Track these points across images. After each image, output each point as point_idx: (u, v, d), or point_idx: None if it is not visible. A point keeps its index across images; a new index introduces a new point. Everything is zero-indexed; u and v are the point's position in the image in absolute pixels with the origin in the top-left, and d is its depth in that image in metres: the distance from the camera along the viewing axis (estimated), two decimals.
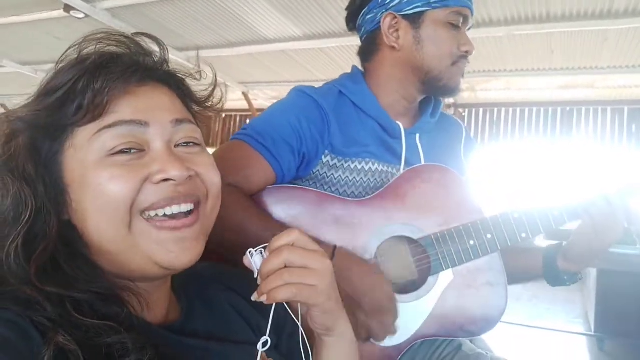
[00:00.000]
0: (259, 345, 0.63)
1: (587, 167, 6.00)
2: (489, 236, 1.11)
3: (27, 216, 0.56)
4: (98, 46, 0.62)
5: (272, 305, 0.64)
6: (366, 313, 1.02)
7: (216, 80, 0.75)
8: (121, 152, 0.59)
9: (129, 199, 0.58)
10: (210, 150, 0.76)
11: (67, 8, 3.71)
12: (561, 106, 5.97)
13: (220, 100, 0.76)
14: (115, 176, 0.58)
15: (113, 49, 0.63)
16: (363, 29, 1.25)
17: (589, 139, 5.85)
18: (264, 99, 6.68)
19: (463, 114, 6.34)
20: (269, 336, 0.64)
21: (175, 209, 0.61)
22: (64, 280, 0.56)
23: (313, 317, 0.69)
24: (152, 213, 0.60)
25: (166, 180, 0.60)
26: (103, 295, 0.57)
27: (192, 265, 0.80)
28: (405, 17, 1.16)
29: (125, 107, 0.60)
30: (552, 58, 4.49)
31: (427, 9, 1.14)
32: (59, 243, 0.58)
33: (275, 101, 1.24)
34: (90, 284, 0.57)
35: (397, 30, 1.17)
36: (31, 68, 5.73)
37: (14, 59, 5.53)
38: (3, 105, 8.57)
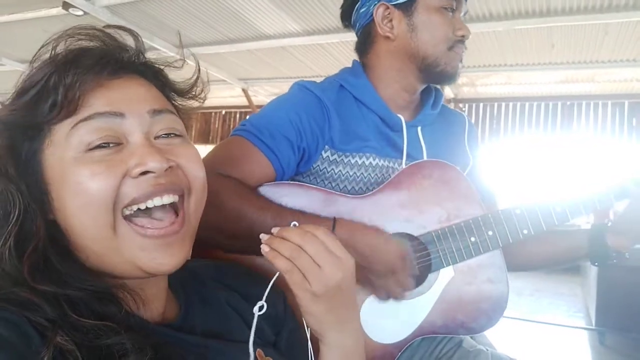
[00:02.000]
0: (255, 309, 0.65)
1: (588, 161, 5.99)
2: (490, 233, 1.11)
3: (16, 215, 0.56)
4: (68, 41, 0.61)
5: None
6: (380, 276, 1.02)
7: (199, 69, 0.73)
8: (99, 147, 0.58)
9: (109, 196, 0.57)
10: (211, 148, 0.76)
11: (66, 5, 3.70)
12: (562, 100, 5.96)
13: (202, 90, 0.74)
14: (96, 173, 0.56)
15: (84, 43, 0.62)
16: (358, 23, 1.25)
17: (590, 132, 5.84)
18: (264, 95, 6.67)
19: (463, 109, 6.33)
20: (265, 301, 0.66)
21: (157, 201, 0.60)
22: (57, 279, 0.55)
23: (301, 311, 0.70)
24: (135, 207, 0.59)
25: (145, 173, 0.58)
26: (98, 293, 0.57)
27: (190, 264, 0.80)
28: (397, 6, 1.16)
29: (99, 100, 0.59)
30: (552, 52, 4.48)
31: None
32: (47, 242, 0.57)
33: (275, 97, 1.24)
34: (83, 282, 0.57)
35: (390, 20, 1.17)
36: (29, 66, 5.72)
37: (12, 57, 5.53)
38: (2, 104, 8.56)
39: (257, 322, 0.69)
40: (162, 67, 0.70)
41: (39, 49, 0.61)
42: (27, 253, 0.55)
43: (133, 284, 0.62)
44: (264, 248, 0.67)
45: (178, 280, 0.74)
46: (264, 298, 0.65)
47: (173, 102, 0.71)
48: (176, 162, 0.62)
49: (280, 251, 0.66)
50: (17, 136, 0.59)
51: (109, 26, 0.65)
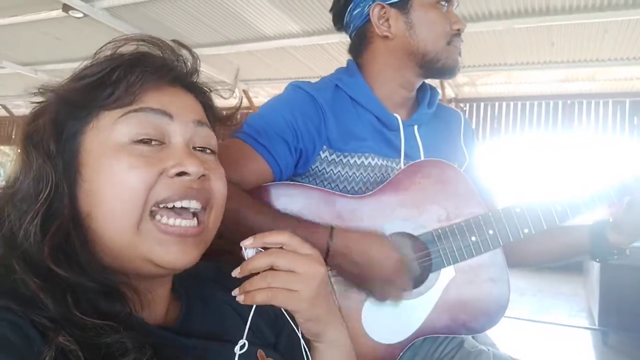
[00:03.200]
0: (237, 348, 0.64)
1: (589, 159, 5.98)
2: (490, 232, 1.11)
3: (47, 193, 0.57)
4: (138, 44, 0.65)
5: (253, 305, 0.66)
6: (375, 285, 1.04)
7: (240, 104, 0.80)
8: (142, 141, 0.60)
9: (143, 191, 0.59)
10: None
11: (66, 8, 3.71)
12: (562, 99, 5.95)
13: (240, 120, 0.80)
14: (134, 166, 0.58)
15: (150, 48, 0.66)
16: (352, 25, 1.24)
17: (591, 131, 5.83)
18: (265, 96, 6.68)
19: (464, 109, 6.33)
20: (246, 339, 0.65)
21: (185, 204, 0.62)
22: (74, 264, 0.56)
23: (299, 323, 0.70)
24: (162, 206, 0.61)
25: (181, 175, 0.61)
26: (107, 287, 0.57)
27: (193, 267, 0.80)
28: (392, 5, 1.16)
29: (154, 99, 0.63)
30: (552, 51, 4.47)
31: None
32: (71, 224, 0.58)
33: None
34: (97, 272, 0.57)
35: (387, 20, 1.17)
36: (31, 68, 5.74)
37: (13, 60, 5.54)
38: (4, 107, 8.57)
39: (257, 323, 0.69)
40: (209, 90, 0.75)
41: (105, 44, 0.64)
42: (52, 232, 0.56)
43: (142, 285, 0.62)
44: (238, 298, 0.66)
45: (179, 283, 0.74)
46: (244, 336, 0.65)
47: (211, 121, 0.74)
48: (208, 175, 0.65)
49: (255, 287, 0.65)
50: (63, 113, 0.61)
51: (175, 41, 0.70)
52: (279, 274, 0.65)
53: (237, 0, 3.67)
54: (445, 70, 1.19)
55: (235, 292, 0.67)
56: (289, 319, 0.71)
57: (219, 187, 0.67)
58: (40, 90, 0.62)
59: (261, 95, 6.71)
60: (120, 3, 3.73)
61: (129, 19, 4.07)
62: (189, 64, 0.70)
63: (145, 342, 0.55)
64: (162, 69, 0.65)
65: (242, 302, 0.65)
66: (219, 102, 0.78)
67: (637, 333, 4.05)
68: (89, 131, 0.61)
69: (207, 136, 0.68)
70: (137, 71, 0.61)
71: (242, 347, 0.64)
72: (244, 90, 6.35)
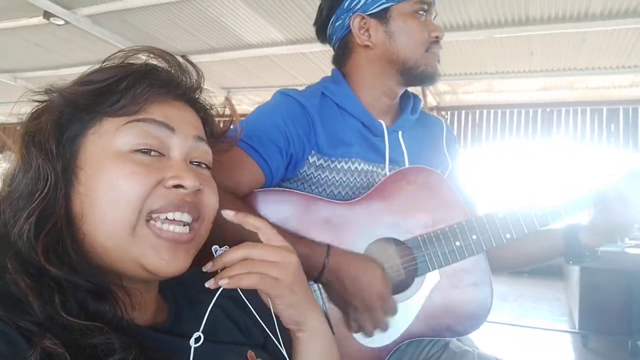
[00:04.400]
0: (192, 340, 0.65)
1: (568, 166, 6.09)
2: (474, 237, 1.13)
3: (45, 192, 0.58)
4: (147, 55, 0.67)
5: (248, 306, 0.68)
6: (356, 310, 1.04)
7: (232, 121, 0.82)
8: (142, 151, 0.62)
9: (140, 198, 0.60)
10: None
11: (47, 15, 3.66)
12: (541, 107, 6.05)
13: (235, 138, 0.83)
14: (134, 172, 0.60)
15: (158, 62, 0.68)
16: (334, 37, 1.27)
17: (569, 138, 5.94)
18: (248, 104, 6.67)
19: (446, 117, 6.40)
20: (202, 332, 0.65)
21: (177, 216, 0.63)
22: (66, 264, 0.56)
23: (279, 311, 0.72)
24: (155, 216, 0.61)
25: (177, 187, 0.62)
26: (98, 288, 0.57)
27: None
28: (372, 15, 1.19)
29: (158, 111, 0.65)
30: (531, 60, 4.56)
31: (391, 3, 1.17)
32: (65, 224, 0.59)
33: (258, 105, 1.25)
34: (88, 271, 0.58)
35: (367, 30, 1.20)
36: (10, 75, 5.64)
37: None
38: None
39: (247, 324, 0.69)
40: (210, 108, 0.77)
41: (114, 53, 0.66)
42: (46, 230, 0.56)
43: (133, 286, 0.63)
44: (222, 283, 0.67)
45: (166, 286, 0.75)
46: (201, 329, 0.65)
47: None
48: (203, 189, 0.66)
49: (237, 272, 0.67)
50: (67, 115, 0.62)
51: (182, 56, 0.72)
52: (258, 261, 0.68)
53: (220, 9, 3.67)
54: (425, 77, 1.21)
55: (210, 283, 0.67)
56: (273, 314, 0.72)
57: (211, 200, 0.69)
58: (47, 90, 0.63)
59: (244, 103, 6.69)
60: (102, 10, 3.69)
61: (111, 27, 4.03)
62: (193, 80, 0.72)
63: (132, 343, 0.55)
64: (170, 84, 0.67)
65: (226, 287, 0.66)
66: None
67: (617, 335, 4.12)
68: (90, 135, 0.62)
69: (204, 152, 0.70)
70: (145, 83, 0.63)
71: (197, 340, 0.65)
72: (226, 98, 6.33)
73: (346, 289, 1.03)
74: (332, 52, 1.33)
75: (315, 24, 1.32)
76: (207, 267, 0.69)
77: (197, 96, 0.74)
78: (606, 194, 1.13)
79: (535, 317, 5.38)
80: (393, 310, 1.07)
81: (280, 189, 1.15)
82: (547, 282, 6.91)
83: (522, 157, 6.41)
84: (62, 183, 0.60)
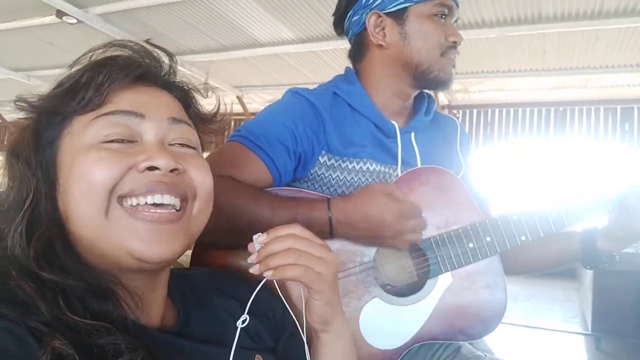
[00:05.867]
0: (239, 322, 0.65)
1: (582, 166, 6.03)
2: (488, 239, 1.11)
3: (31, 199, 0.58)
4: (111, 49, 0.66)
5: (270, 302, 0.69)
6: (388, 237, 1.04)
7: (219, 105, 0.78)
8: (113, 141, 0.61)
9: (109, 183, 0.58)
10: (205, 155, 0.77)
11: (60, 14, 3.70)
12: (554, 106, 5.99)
13: (224, 117, 0.78)
14: (101, 158, 0.59)
15: (122, 50, 0.67)
16: (350, 31, 1.26)
17: (583, 138, 5.88)
18: (259, 102, 6.68)
19: (457, 115, 6.36)
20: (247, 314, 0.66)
21: (157, 199, 0.60)
22: (60, 267, 0.56)
23: (314, 308, 0.71)
24: (131, 201, 0.60)
25: (151, 169, 0.60)
26: (95, 287, 0.57)
27: (186, 272, 0.80)
28: (389, 14, 1.17)
29: (125, 99, 0.63)
30: (544, 58, 4.52)
31: (409, 4, 1.15)
32: (53, 227, 0.59)
33: (269, 104, 1.24)
34: (83, 272, 0.57)
35: (383, 29, 1.18)
36: (24, 74, 5.71)
37: (5, 65, 5.50)
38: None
39: (257, 328, 0.69)
40: (190, 89, 0.74)
41: (84, 54, 0.66)
42: (35, 237, 0.57)
43: (134, 285, 0.62)
44: (267, 274, 0.66)
45: (176, 288, 0.74)
46: (246, 310, 0.65)
47: (194, 121, 0.74)
48: (184, 167, 0.64)
49: (281, 263, 0.66)
50: (42, 121, 0.63)
51: (150, 43, 0.69)
52: (304, 253, 0.66)
53: (231, 8, 3.68)
54: (438, 82, 1.19)
55: (255, 269, 0.66)
56: (292, 316, 0.72)
57: (199, 177, 0.66)
58: (17, 104, 0.63)
59: (255, 102, 6.70)
60: (114, 9, 3.72)
61: (123, 25, 4.06)
62: (164, 63, 0.70)
63: (139, 344, 0.55)
64: (129, 66, 0.65)
65: (269, 278, 0.65)
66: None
67: (630, 338, 4.07)
68: (65, 137, 0.62)
69: (184, 132, 0.67)
70: (104, 71, 0.62)
71: (243, 322, 0.65)
72: (237, 97, 6.35)
73: (367, 230, 1.03)
74: (341, 51, 1.33)
75: (334, 14, 1.30)
76: (252, 259, 0.67)
77: (172, 80, 0.72)
78: (626, 197, 1.11)
79: (547, 318, 5.33)
80: (418, 212, 1.06)
81: (289, 187, 1.14)
82: (559, 283, 6.84)
83: (534, 157, 6.35)
84: (45, 188, 0.60)
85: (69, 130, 0.62)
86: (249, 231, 0.70)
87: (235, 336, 0.65)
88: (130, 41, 0.68)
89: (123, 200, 0.60)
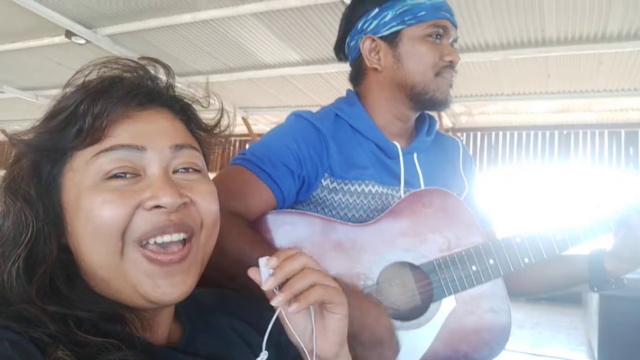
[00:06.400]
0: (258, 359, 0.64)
1: (586, 189, 6.00)
2: (491, 261, 1.10)
3: (28, 237, 0.57)
4: (102, 70, 0.63)
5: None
6: (365, 347, 1.00)
7: (222, 108, 0.76)
8: (116, 176, 0.59)
9: (120, 225, 0.58)
10: (210, 176, 0.76)
11: (69, 34, 3.76)
12: (558, 129, 6.01)
13: (228, 126, 0.76)
14: (108, 201, 0.57)
15: (116, 72, 0.64)
16: (350, 57, 1.28)
17: (587, 161, 5.87)
18: (264, 124, 6.72)
19: (461, 138, 6.37)
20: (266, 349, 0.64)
21: (166, 238, 0.60)
22: (65, 301, 0.56)
23: (334, 322, 0.68)
24: (144, 242, 0.60)
25: (158, 207, 0.59)
26: (105, 314, 0.57)
27: (194, 292, 0.79)
28: (383, 38, 1.18)
29: (124, 132, 0.61)
30: (548, 82, 4.54)
31: (402, 27, 1.16)
32: (58, 266, 0.58)
33: (274, 126, 1.25)
34: (91, 305, 0.57)
35: (377, 52, 1.19)
36: (32, 93, 5.77)
37: (14, 85, 5.57)
38: (3, 131, 8.59)
39: (261, 345, 0.68)
40: (190, 102, 0.72)
41: (74, 75, 0.63)
42: (37, 276, 0.56)
43: (142, 310, 0.62)
44: (292, 309, 0.63)
45: (183, 308, 0.74)
46: (264, 347, 0.64)
47: (197, 137, 0.72)
48: (190, 198, 0.63)
49: (300, 287, 0.64)
50: (40, 159, 0.61)
51: (143, 58, 0.67)
52: (316, 270, 0.66)
53: (239, 30, 3.73)
54: (434, 103, 1.19)
55: (276, 301, 0.63)
56: (298, 339, 0.70)
57: (205, 206, 0.65)
58: (12, 141, 0.61)
59: (261, 123, 6.75)
60: (122, 30, 3.78)
61: (131, 46, 4.12)
62: (162, 79, 0.68)
63: None
64: (127, 94, 0.62)
65: (294, 310, 0.63)
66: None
67: None
68: (67, 173, 0.60)
69: (188, 157, 0.65)
70: (102, 101, 0.59)
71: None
72: (243, 118, 6.39)
73: (355, 323, 0.97)
74: (346, 73, 1.33)
75: (336, 42, 1.32)
76: (269, 285, 0.63)
77: (171, 95, 0.69)
78: (629, 217, 1.10)
79: (553, 346, 5.24)
80: (397, 349, 1.02)
81: (293, 210, 1.14)
82: (564, 310, 6.75)
83: (538, 181, 6.34)
84: (50, 226, 0.59)
85: (69, 167, 0.60)
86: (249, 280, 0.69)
87: (255, 338, 0.66)
88: (123, 59, 0.65)
89: (141, 244, 0.60)
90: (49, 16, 3.49)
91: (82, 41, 3.86)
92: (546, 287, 1.28)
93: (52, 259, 0.57)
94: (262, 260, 0.65)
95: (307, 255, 0.68)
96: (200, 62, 4.53)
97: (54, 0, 3.35)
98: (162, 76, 0.69)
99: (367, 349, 0.99)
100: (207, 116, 0.74)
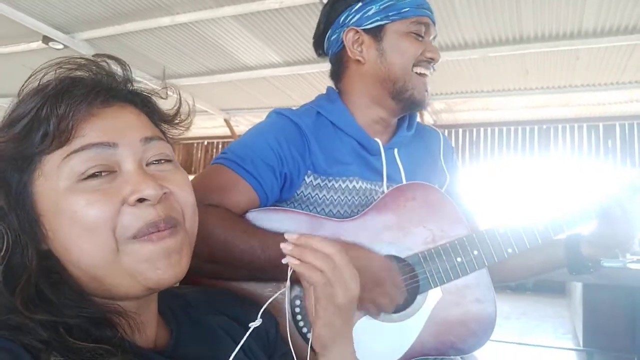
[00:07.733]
0: (251, 324, 0.69)
1: (566, 182, 6.10)
2: (475, 252, 1.12)
3: (4, 250, 0.56)
4: (58, 71, 0.61)
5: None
6: (366, 289, 1.00)
7: (180, 97, 0.75)
8: (92, 175, 0.58)
9: (109, 223, 0.57)
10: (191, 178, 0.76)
11: (46, 39, 3.71)
12: (538, 124, 6.10)
13: (189, 115, 0.75)
14: (92, 201, 0.57)
15: (73, 73, 0.62)
16: (330, 51, 1.27)
17: (567, 155, 5.97)
18: (246, 125, 6.70)
19: None
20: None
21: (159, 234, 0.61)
22: (52, 308, 0.55)
23: (314, 324, 0.72)
24: (140, 236, 0.60)
25: (141, 200, 0.59)
26: (94, 319, 0.57)
27: (179, 290, 0.79)
28: (366, 31, 1.19)
29: (92, 130, 0.59)
30: (526, 78, 4.60)
31: (386, 22, 1.17)
32: (40, 274, 0.57)
33: None
34: (79, 310, 0.56)
35: (360, 44, 1.19)
36: (8, 100, 5.65)
37: None
38: None
39: (251, 346, 0.69)
40: (149, 94, 0.71)
41: (27, 79, 0.61)
42: (20, 286, 0.54)
43: (129, 307, 0.61)
44: (292, 261, 0.69)
45: (167, 306, 0.73)
46: (259, 315, 0.67)
47: (160, 128, 0.71)
48: (169, 189, 0.63)
49: (313, 263, 0.68)
50: (6, 168, 0.59)
51: (98, 55, 0.66)
52: (336, 270, 0.70)
53: (218, 32, 3.72)
54: (412, 102, 1.20)
55: (285, 247, 0.71)
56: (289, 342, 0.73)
57: (184, 196, 0.65)
58: None
59: (243, 125, 6.73)
60: (100, 35, 3.74)
61: (109, 50, 4.04)
62: (119, 75, 0.67)
63: None
64: (92, 91, 0.61)
65: (292, 266, 0.70)
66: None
67: (622, 353, 4.07)
68: (37, 180, 0.59)
69: (159, 148, 0.65)
70: (64, 102, 0.58)
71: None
72: (225, 120, 6.37)
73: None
74: (327, 73, 1.33)
75: (314, 36, 1.32)
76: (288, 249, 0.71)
77: (130, 89, 0.68)
78: (609, 207, 1.13)
79: (539, 335, 5.32)
80: (399, 284, 1.06)
81: (278, 207, 1.14)
82: (550, 300, 6.85)
83: (519, 175, 6.42)
84: (27, 235, 0.58)
85: (39, 172, 0.58)
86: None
87: (244, 336, 0.67)
88: (78, 58, 0.64)
89: (137, 237, 0.59)
90: (25, 22, 3.44)
91: (60, 46, 3.82)
92: (526, 273, 1.30)
93: (33, 268, 0.56)
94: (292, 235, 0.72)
95: (347, 258, 0.72)
96: (181, 65, 4.50)
97: (31, 5, 3.31)
98: (119, 71, 0.67)
99: (369, 292, 1.02)
100: (168, 108, 0.74)
